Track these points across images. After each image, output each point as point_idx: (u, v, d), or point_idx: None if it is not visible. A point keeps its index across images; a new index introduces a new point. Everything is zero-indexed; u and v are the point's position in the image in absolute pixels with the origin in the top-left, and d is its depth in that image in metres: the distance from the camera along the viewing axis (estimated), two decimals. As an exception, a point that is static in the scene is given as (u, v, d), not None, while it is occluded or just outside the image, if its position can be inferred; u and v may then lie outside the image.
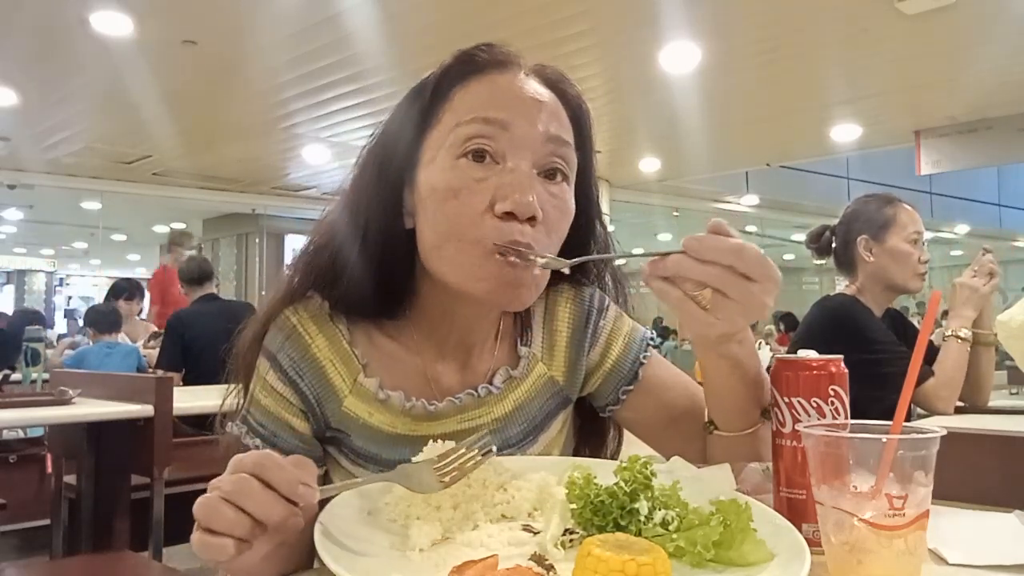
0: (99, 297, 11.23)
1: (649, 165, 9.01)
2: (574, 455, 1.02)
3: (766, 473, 0.81)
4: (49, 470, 3.00)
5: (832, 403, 0.71)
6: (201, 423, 2.41)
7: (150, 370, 4.42)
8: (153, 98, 6.02)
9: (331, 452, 0.92)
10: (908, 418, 0.70)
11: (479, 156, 0.82)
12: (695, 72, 5.74)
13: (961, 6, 4.63)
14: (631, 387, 0.98)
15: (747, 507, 0.63)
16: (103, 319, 4.88)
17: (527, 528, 0.70)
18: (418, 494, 0.71)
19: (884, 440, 0.59)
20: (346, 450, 0.91)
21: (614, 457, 1.06)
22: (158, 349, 4.31)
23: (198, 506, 0.60)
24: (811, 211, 10.55)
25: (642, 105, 6.85)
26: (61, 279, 17.66)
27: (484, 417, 0.91)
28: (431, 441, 0.77)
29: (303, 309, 0.90)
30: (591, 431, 1.06)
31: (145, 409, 2.38)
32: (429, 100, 0.86)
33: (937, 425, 0.62)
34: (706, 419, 0.92)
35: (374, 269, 0.87)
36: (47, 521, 2.99)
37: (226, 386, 0.96)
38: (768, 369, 0.81)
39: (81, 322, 7.87)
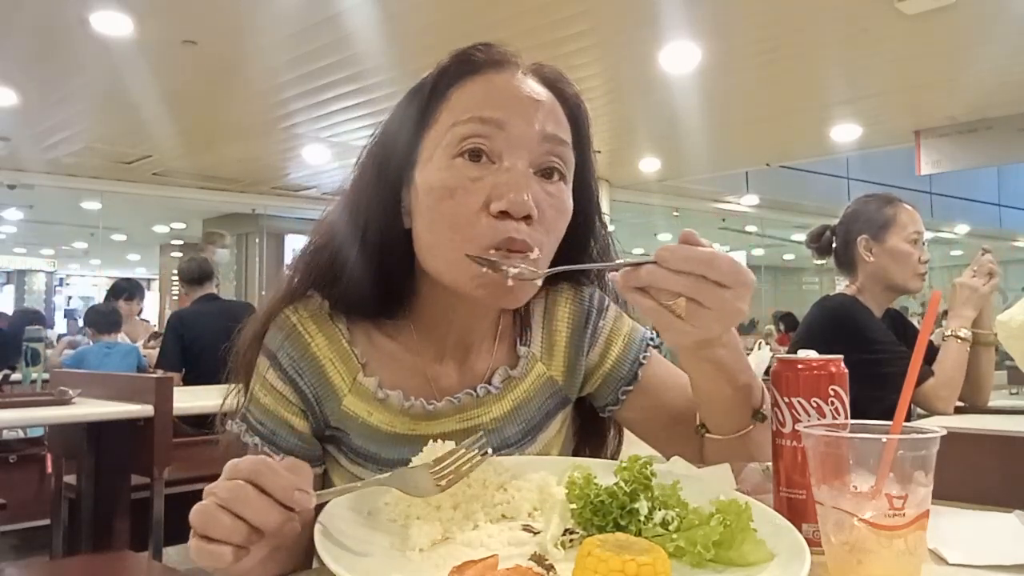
0: (99, 297, 11.24)
1: (649, 165, 9.01)
2: (574, 455, 1.02)
3: (766, 473, 0.81)
4: (49, 470, 3.00)
5: (832, 403, 0.71)
6: (201, 423, 2.42)
7: (150, 370, 4.42)
8: (153, 98, 6.01)
9: (330, 451, 0.92)
10: (908, 418, 0.70)
11: (475, 155, 0.82)
12: (695, 72, 5.74)
13: (961, 6, 4.62)
14: (631, 387, 0.98)
15: (747, 507, 0.63)
16: (103, 319, 4.89)
17: (527, 528, 0.70)
18: (418, 494, 0.71)
19: (884, 440, 0.59)
20: (345, 449, 0.91)
21: (614, 457, 1.06)
22: (158, 349, 4.31)
23: (194, 513, 0.60)
24: (811, 211, 10.54)
25: (642, 105, 6.85)
26: (61, 279, 17.65)
27: (483, 417, 0.91)
28: (430, 441, 0.77)
29: (303, 308, 0.91)
30: (591, 431, 1.06)
31: (145, 409, 2.38)
32: (427, 100, 0.86)
33: (937, 425, 0.62)
34: (697, 422, 0.92)
35: (373, 269, 0.87)
36: (47, 521, 3.00)
37: (226, 386, 0.96)
38: (768, 369, 0.81)
39: (81, 322, 7.87)
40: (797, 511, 0.70)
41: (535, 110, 0.84)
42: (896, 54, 5.50)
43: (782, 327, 9.86)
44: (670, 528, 0.64)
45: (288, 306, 0.91)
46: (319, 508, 0.67)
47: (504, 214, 0.79)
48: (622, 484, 0.68)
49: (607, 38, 5.30)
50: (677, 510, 0.66)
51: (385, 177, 0.88)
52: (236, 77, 5.83)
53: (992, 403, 2.23)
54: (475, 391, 0.91)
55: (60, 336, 8.84)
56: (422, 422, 0.89)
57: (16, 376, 4.48)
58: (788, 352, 1.34)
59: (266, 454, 0.84)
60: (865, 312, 2.16)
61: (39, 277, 17.05)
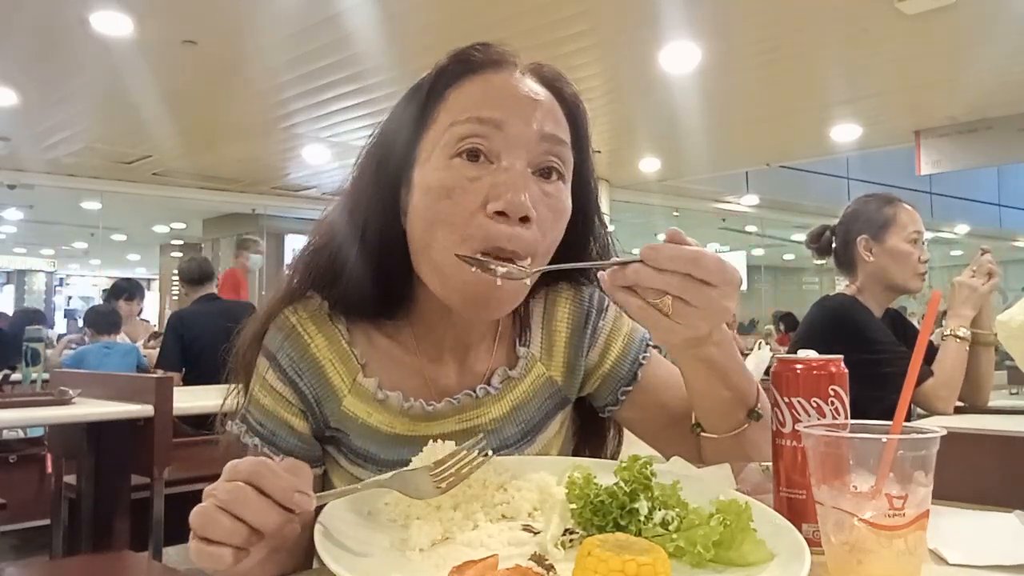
0: (99, 297, 11.24)
1: (649, 165, 9.01)
2: (574, 455, 1.02)
3: (766, 473, 0.81)
4: (49, 470, 3.00)
5: (832, 403, 0.71)
6: (201, 423, 2.41)
7: (150, 370, 4.42)
8: (153, 98, 6.02)
9: (330, 452, 0.92)
10: (908, 418, 0.70)
11: (473, 155, 0.82)
12: (695, 72, 5.74)
13: (961, 6, 4.62)
14: (630, 388, 0.98)
15: (747, 507, 0.63)
16: (102, 320, 4.89)
17: (527, 528, 0.70)
18: (418, 494, 0.71)
19: (884, 440, 0.58)
20: (345, 450, 0.91)
21: (614, 457, 1.05)
22: (158, 349, 4.31)
23: (194, 515, 0.60)
24: (811, 211, 10.54)
25: (642, 105, 6.85)
26: (61, 279, 17.65)
27: (482, 417, 0.91)
28: (430, 442, 0.77)
29: (302, 309, 0.90)
30: (591, 431, 1.06)
31: (145, 409, 2.38)
32: (425, 100, 0.86)
33: (937, 425, 0.61)
34: (692, 421, 0.92)
35: (373, 269, 0.87)
36: (47, 521, 3.00)
37: (226, 386, 0.96)
38: (768, 369, 0.80)
39: (81, 322, 7.87)
40: (797, 511, 0.70)
41: (533, 110, 0.84)
42: (896, 54, 5.50)
43: (782, 327, 9.86)
44: (670, 528, 0.64)
45: (288, 307, 0.91)
46: (319, 509, 0.67)
47: (501, 214, 0.79)
48: (622, 484, 0.68)
49: (607, 38, 5.30)
50: (677, 510, 0.66)
51: (384, 177, 0.88)
52: (236, 77, 5.83)
53: (992, 403, 2.23)
54: (474, 392, 0.91)
55: (60, 336, 8.83)
56: (422, 423, 0.89)
57: (16, 376, 4.48)
58: (788, 352, 1.34)
59: (266, 455, 0.84)
60: (865, 312, 2.16)
61: (39, 277, 17.06)
